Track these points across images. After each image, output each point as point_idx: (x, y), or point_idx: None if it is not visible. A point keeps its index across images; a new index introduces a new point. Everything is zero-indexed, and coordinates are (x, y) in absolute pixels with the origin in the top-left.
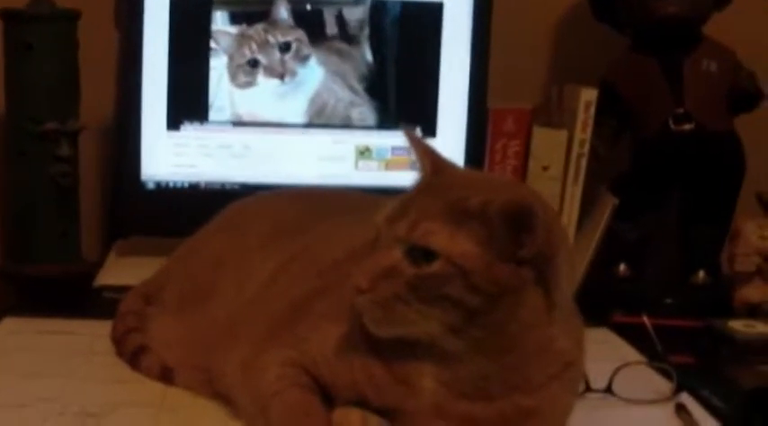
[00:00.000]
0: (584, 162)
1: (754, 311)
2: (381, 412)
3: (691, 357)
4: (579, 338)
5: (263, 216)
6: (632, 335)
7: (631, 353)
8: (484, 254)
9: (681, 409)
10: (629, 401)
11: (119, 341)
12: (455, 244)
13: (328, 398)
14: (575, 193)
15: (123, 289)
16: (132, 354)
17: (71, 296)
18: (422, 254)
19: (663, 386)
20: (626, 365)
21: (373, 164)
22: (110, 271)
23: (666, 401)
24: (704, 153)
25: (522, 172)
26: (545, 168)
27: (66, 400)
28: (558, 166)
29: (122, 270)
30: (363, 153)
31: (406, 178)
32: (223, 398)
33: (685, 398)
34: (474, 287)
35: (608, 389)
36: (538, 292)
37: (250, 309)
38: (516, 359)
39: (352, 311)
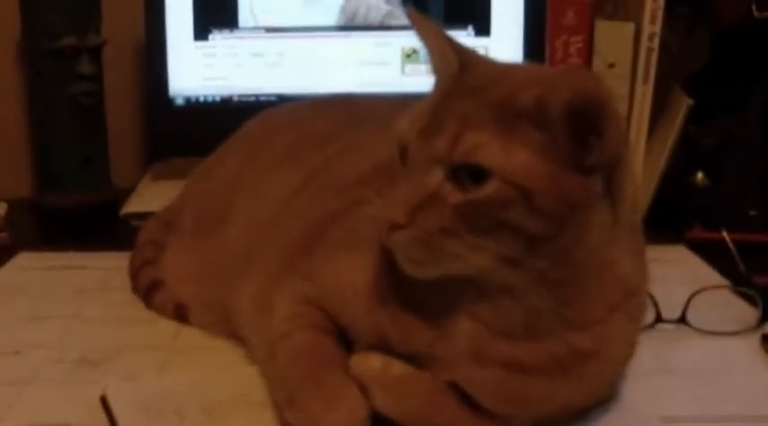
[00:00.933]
0: (654, 58)
1: None
2: (407, 358)
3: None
4: (642, 259)
5: (286, 128)
6: (711, 253)
7: (710, 275)
8: (547, 166)
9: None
10: (706, 332)
11: (134, 275)
12: (510, 157)
13: (347, 341)
14: (645, 93)
15: (150, 216)
16: (146, 290)
17: (96, 226)
18: (469, 175)
19: (747, 313)
20: (702, 290)
21: (421, 67)
22: (140, 197)
23: (751, 331)
24: None
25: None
26: (611, 66)
27: (66, 345)
28: (625, 63)
29: (154, 196)
30: (410, 55)
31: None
32: (239, 339)
33: None
34: (538, 208)
35: (682, 319)
36: (604, 206)
37: (266, 234)
38: (575, 290)
39: (377, 246)
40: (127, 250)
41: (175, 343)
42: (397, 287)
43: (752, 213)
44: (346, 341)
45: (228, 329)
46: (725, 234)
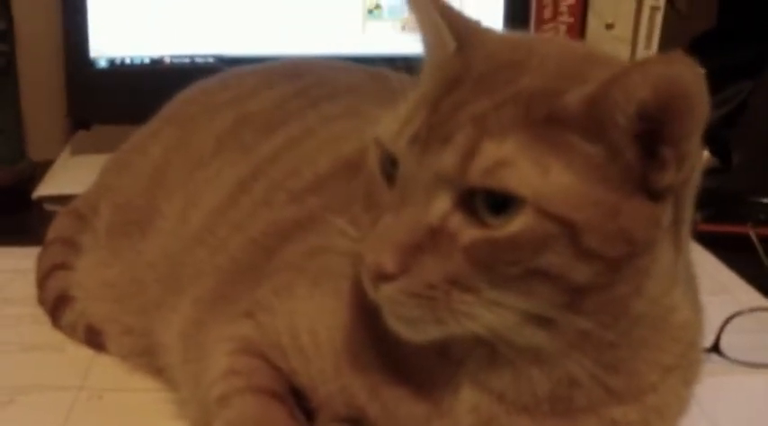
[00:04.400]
0: (658, 18)
1: None
2: None
3: None
4: (697, 296)
5: (222, 107)
6: (725, 248)
7: (733, 281)
8: (600, 191)
9: None
10: (745, 364)
11: (41, 283)
12: (549, 178)
13: (303, 407)
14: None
15: (70, 201)
16: (54, 304)
17: (4, 211)
18: (489, 203)
19: None
20: (738, 314)
21: (385, 25)
22: (57, 177)
23: None
24: None
25: (578, 31)
26: (609, 26)
27: None
28: (625, 24)
29: (74, 175)
30: (372, 11)
31: None
32: (167, 378)
33: None
34: (587, 250)
35: (714, 348)
36: (669, 240)
37: (196, 247)
38: (625, 352)
39: (351, 286)
40: (39, 244)
41: (87, 383)
42: (379, 344)
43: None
44: (302, 407)
45: (153, 364)
46: (750, 229)
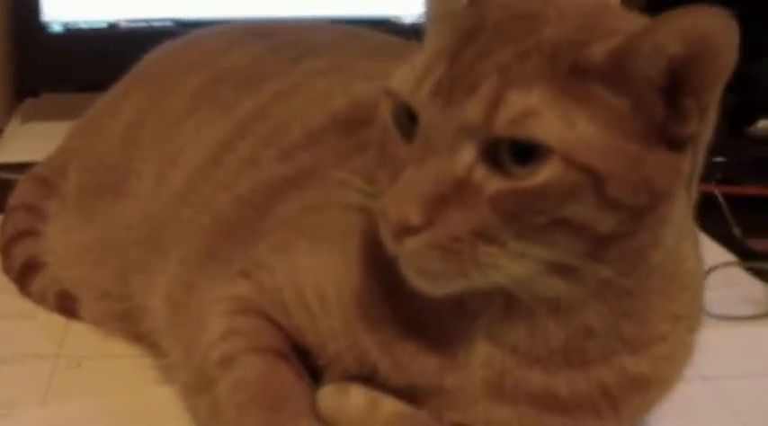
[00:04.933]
0: None
1: None
2: (399, 392)
3: None
4: (698, 245)
5: (194, 66)
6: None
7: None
8: (624, 141)
9: None
10: (720, 318)
11: (5, 251)
12: (575, 129)
13: (309, 365)
14: None
15: (24, 169)
16: (21, 271)
17: None
18: (514, 153)
19: (758, 291)
20: (712, 270)
21: None
22: (9, 144)
23: None
24: None
25: None
26: None
27: None
28: None
29: (27, 142)
30: None
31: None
32: (148, 344)
33: None
34: (611, 199)
35: None
36: (683, 189)
37: (179, 208)
38: (640, 301)
39: (360, 241)
40: None
41: (63, 350)
42: (391, 299)
43: (718, 159)
44: (308, 365)
45: (132, 329)
46: (716, 188)
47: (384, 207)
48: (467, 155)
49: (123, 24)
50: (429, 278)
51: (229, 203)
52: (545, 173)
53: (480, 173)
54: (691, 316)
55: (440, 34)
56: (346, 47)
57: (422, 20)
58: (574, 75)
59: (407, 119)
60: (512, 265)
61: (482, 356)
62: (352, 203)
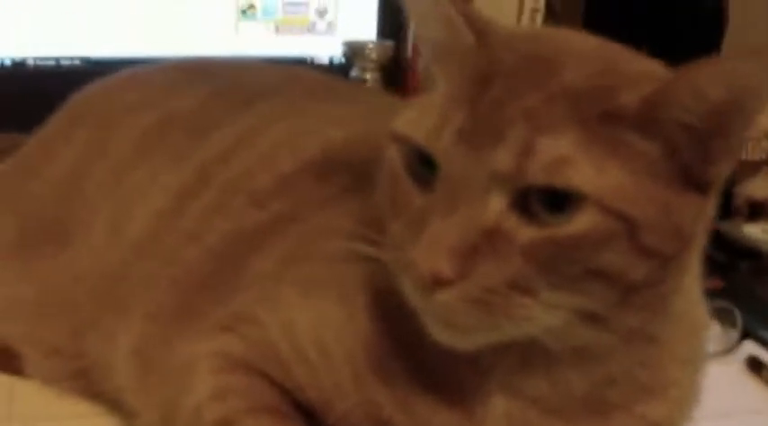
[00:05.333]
0: (538, 20)
1: (758, 211)
2: None
3: (715, 278)
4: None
5: (138, 106)
6: None
7: None
8: (655, 187)
9: (754, 364)
10: None
11: None
12: (607, 176)
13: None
14: None
15: None
16: None
17: None
18: (546, 201)
19: (716, 330)
20: None
21: (259, 26)
22: None
23: (730, 353)
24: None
25: None
26: None
27: None
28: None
29: None
30: (245, 11)
31: (301, 45)
32: (111, 402)
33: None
34: (645, 247)
35: None
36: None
37: (139, 260)
38: (655, 347)
39: (364, 292)
40: None
41: (14, 410)
42: (403, 351)
43: None
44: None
45: (89, 388)
46: None
47: (413, 259)
48: (497, 203)
49: (30, 62)
50: (457, 332)
51: (199, 255)
52: (580, 221)
53: (512, 221)
54: (698, 359)
55: (449, 77)
56: (294, 89)
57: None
58: (604, 121)
59: (421, 166)
60: (544, 316)
61: (500, 409)
62: (348, 253)
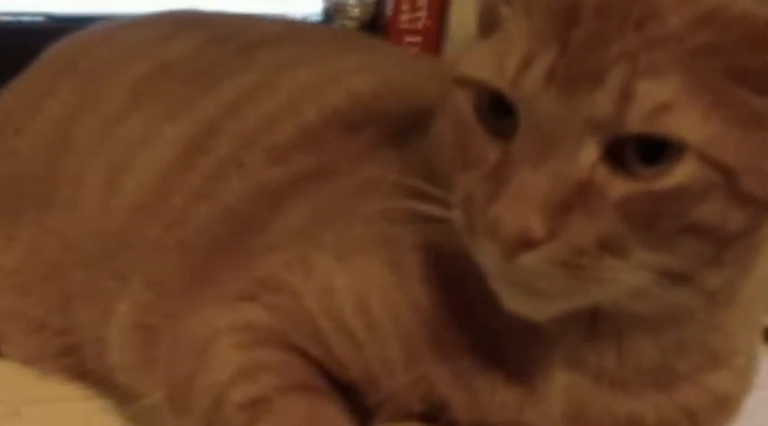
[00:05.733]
0: None
1: None
2: None
3: None
4: None
5: (127, 56)
6: None
7: None
8: (759, 133)
9: None
10: None
11: None
12: (711, 124)
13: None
14: None
15: None
16: None
17: None
18: (641, 151)
19: None
20: None
21: None
22: None
23: None
24: None
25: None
26: None
27: None
28: None
29: None
30: None
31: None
32: (103, 383)
33: None
34: (744, 196)
35: None
36: None
37: (141, 222)
38: (734, 310)
39: (418, 258)
40: None
41: None
42: (461, 323)
43: None
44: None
45: (76, 367)
46: None
47: (496, 216)
48: (591, 153)
49: None
50: (536, 299)
51: (212, 214)
52: (681, 173)
53: (604, 174)
54: (756, 323)
55: (527, 12)
56: (303, 37)
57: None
58: (711, 73)
59: (496, 113)
60: (633, 278)
61: (561, 384)
62: (392, 210)
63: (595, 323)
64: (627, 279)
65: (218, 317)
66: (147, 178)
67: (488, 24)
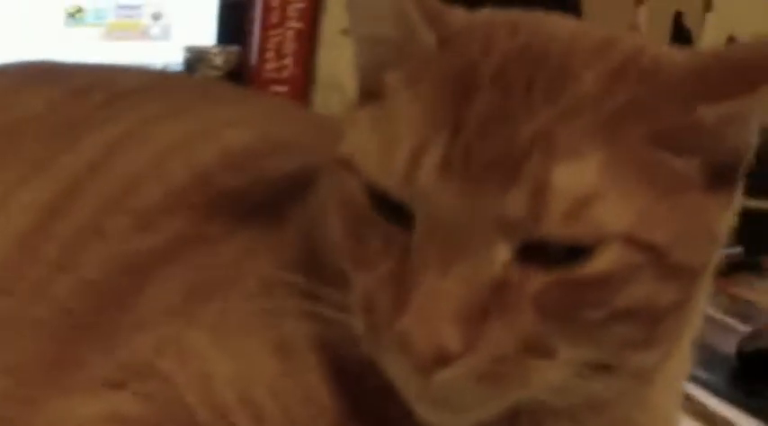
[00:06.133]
0: None
1: None
2: None
3: None
4: None
5: None
6: None
7: None
8: (688, 196)
9: None
10: None
11: None
12: (635, 204)
13: None
14: None
15: None
16: None
17: None
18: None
19: None
20: None
21: (88, 31)
22: None
23: None
24: None
25: (309, 37)
26: (345, 32)
27: None
28: None
29: None
30: (73, 15)
31: (134, 51)
32: None
33: None
34: (676, 267)
35: None
36: None
37: None
38: (662, 382)
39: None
40: None
41: None
42: (359, 419)
43: None
44: None
45: None
46: None
47: (404, 331)
48: (502, 254)
49: None
50: (454, 411)
51: (71, 290)
52: (603, 261)
53: (517, 271)
54: (679, 394)
55: (412, 88)
56: (169, 88)
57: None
58: (634, 136)
59: (389, 203)
60: (558, 375)
61: None
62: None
63: (516, 418)
64: (555, 377)
65: (84, 407)
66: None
67: (370, 90)
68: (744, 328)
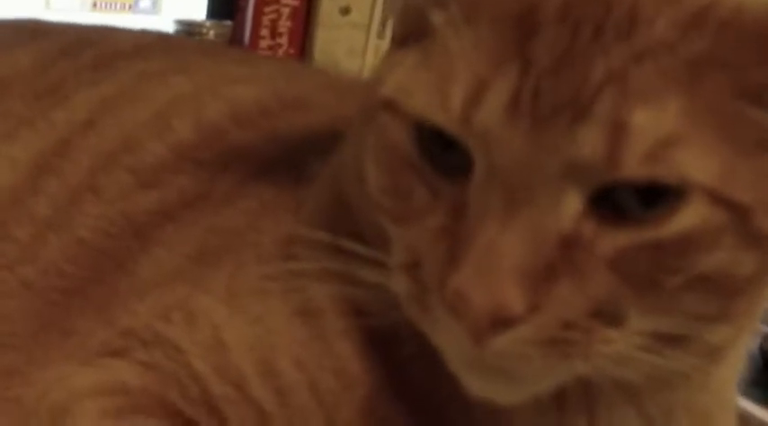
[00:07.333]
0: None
1: None
2: None
3: None
4: None
5: None
6: None
7: None
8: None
9: None
10: None
11: None
12: (719, 157)
13: None
14: (380, 48)
15: None
16: None
17: None
18: (638, 194)
19: None
20: None
21: (73, 1)
22: None
23: None
24: None
25: (305, 15)
26: (344, 11)
27: None
28: (362, 10)
29: None
30: None
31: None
32: None
33: None
34: (756, 234)
35: None
36: None
37: None
38: (727, 363)
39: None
40: None
41: None
42: (394, 393)
43: None
44: None
45: None
46: None
47: (457, 290)
48: (573, 204)
49: None
50: (512, 383)
51: (64, 251)
52: (686, 218)
53: (590, 226)
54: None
55: (471, 20)
56: (170, 47)
57: None
58: (720, 91)
59: (440, 146)
60: (625, 346)
61: None
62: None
63: (564, 395)
64: (619, 348)
65: (79, 377)
66: None
67: (414, 30)
68: (766, 327)
